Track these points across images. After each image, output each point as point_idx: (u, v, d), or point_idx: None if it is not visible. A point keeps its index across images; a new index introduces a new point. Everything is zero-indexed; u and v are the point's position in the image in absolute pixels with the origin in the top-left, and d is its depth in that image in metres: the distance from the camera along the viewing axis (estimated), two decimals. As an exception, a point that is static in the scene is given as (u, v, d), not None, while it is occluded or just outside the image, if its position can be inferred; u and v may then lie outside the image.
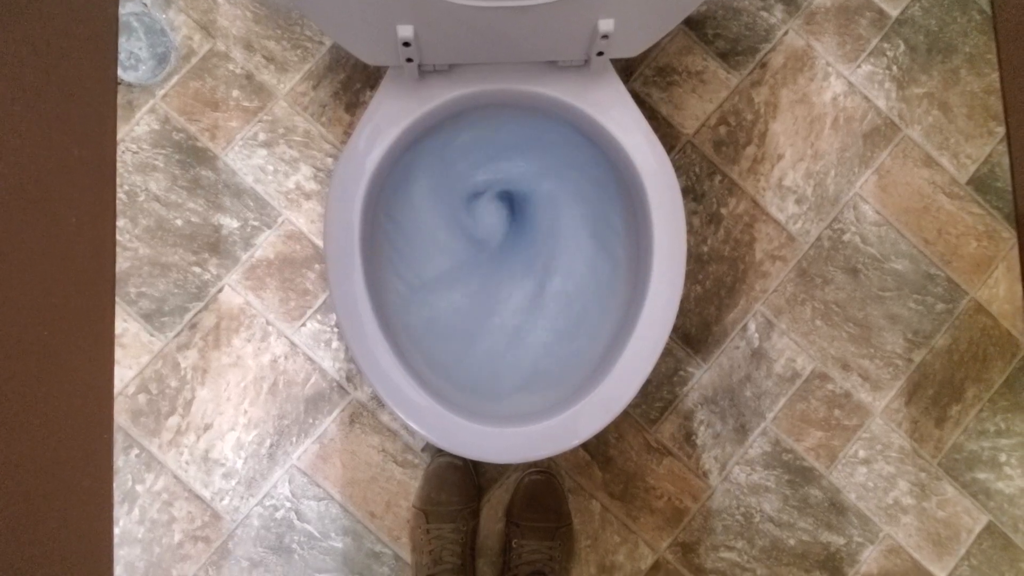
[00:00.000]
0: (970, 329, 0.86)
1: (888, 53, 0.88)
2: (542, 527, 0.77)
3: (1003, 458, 0.85)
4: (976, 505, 0.84)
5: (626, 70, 0.87)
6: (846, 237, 0.86)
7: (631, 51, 0.57)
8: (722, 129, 0.87)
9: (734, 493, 0.83)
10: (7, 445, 0.56)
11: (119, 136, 0.83)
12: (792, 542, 0.83)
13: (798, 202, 0.86)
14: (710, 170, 0.87)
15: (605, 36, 0.52)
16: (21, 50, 0.59)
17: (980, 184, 0.87)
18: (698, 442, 0.84)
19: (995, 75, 0.88)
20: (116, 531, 0.80)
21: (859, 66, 0.88)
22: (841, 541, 0.83)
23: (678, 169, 0.86)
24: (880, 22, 0.88)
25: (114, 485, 0.80)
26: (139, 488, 0.80)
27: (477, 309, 0.71)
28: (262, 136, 0.84)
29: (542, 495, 0.79)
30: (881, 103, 0.87)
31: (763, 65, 0.87)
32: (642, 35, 0.56)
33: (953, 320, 0.86)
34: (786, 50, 0.88)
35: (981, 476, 0.85)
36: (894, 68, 0.88)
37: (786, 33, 0.88)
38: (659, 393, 0.84)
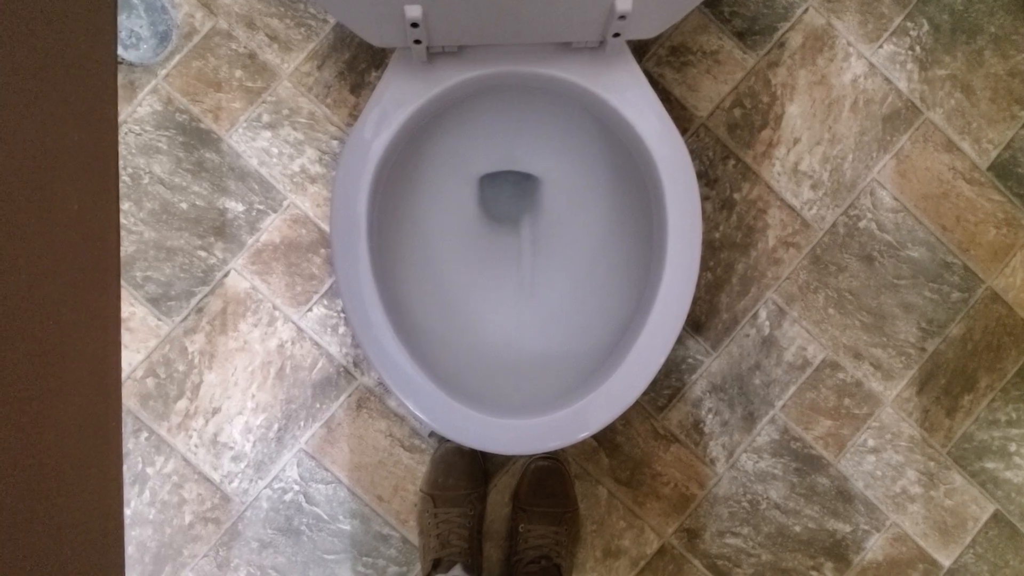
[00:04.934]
0: (985, 318, 0.85)
1: (911, 33, 0.85)
2: (549, 512, 0.78)
3: (1013, 448, 0.84)
4: (984, 494, 0.84)
5: (639, 50, 0.84)
6: (862, 224, 0.85)
7: (649, 32, 0.55)
8: (737, 112, 0.84)
9: (741, 480, 0.83)
10: (16, 431, 0.56)
11: (121, 118, 0.82)
12: (798, 529, 0.83)
13: (814, 187, 0.85)
14: (724, 154, 0.84)
15: (622, 16, 0.50)
16: (16, 28, 0.57)
17: (1001, 170, 0.85)
18: (706, 430, 0.83)
19: (1021, 57, 0.85)
20: (127, 512, 0.81)
21: (881, 46, 0.85)
22: (847, 529, 0.84)
23: (691, 153, 0.84)
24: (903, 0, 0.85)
25: (124, 468, 0.81)
26: (149, 470, 0.81)
27: (486, 295, 0.70)
28: (266, 118, 0.82)
29: (549, 481, 0.79)
30: (902, 85, 0.85)
31: (781, 45, 0.84)
32: (661, 15, 0.53)
33: (968, 309, 0.85)
34: (805, 29, 0.85)
35: (990, 465, 0.84)
36: (917, 48, 0.85)
37: (806, 11, 0.85)
38: (667, 381, 0.83)
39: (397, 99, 0.56)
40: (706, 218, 0.85)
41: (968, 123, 0.85)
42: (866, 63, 0.85)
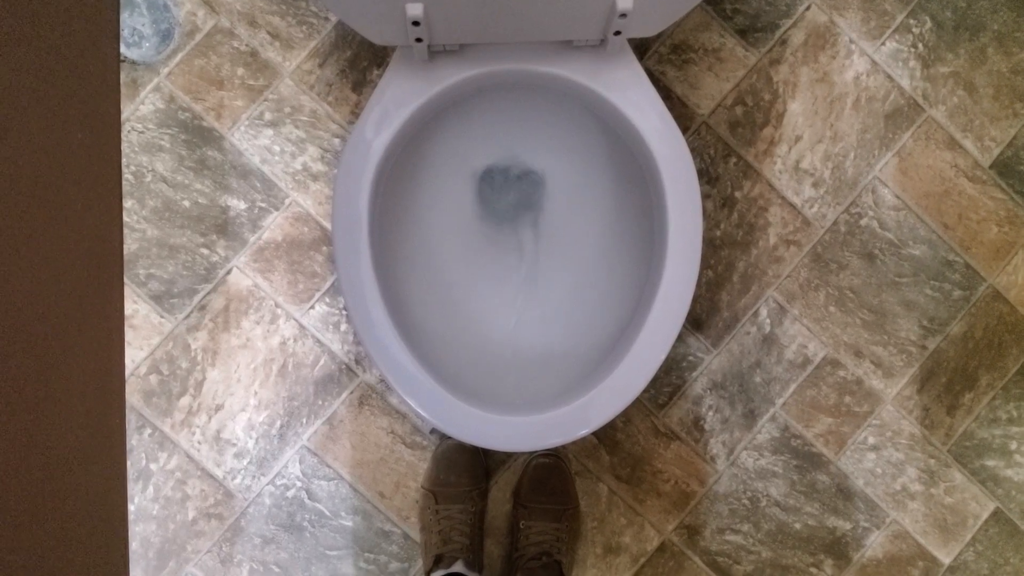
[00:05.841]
0: (986, 316, 0.85)
1: (914, 30, 0.85)
2: (549, 509, 0.78)
3: (1013, 446, 0.84)
4: (984, 492, 0.84)
5: (640, 48, 0.84)
6: (863, 222, 0.84)
7: (650, 30, 0.55)
8: (738, 109, 0.84)
9: (741, 478, 0.84)
10: (21, 428, 0.57)
11: (124, 116, 0.82)
12: (798, 526, 0.84)
13: (815, 185, 0.84)
14: (725, 152, 0.84)
15: (623, 15, 0.50)
16: (19, 27, 0.57)
17: (1003, 168, 0.85)
18: (706, 427, 0.84)
19: (1024, 53, 0.85)
20: (131, 508, 0.81)
21: (883, 43, 0.85)
22: (847, 526, 0.84)
23: (692, 151, 0.84)
24: (907, -3, 0.85)
25: (128, 464, 0.81)
26: (153, 467, 0.82)
27: (487, 293, 0.70)
28: (268, 116, 0.83)
29: (549, 478, 0.79)
30: (905, 83, 0.85)
31: (783, 42, 0.84)
32: (662, 13, 0.53)
33: (970, 307, 0.85)
34: (807, 26, 0.84)
35: (990, 463, 0.84)
36: (919, 46, 0.85)
37: (808, 8, 0.84)
38: (668, 378, 0.84)
39: (398, 97, 0.57)
40: (707, 216, 0.85)
41: (970, 121, 0.85)
42: (868, 60, 0.85)
